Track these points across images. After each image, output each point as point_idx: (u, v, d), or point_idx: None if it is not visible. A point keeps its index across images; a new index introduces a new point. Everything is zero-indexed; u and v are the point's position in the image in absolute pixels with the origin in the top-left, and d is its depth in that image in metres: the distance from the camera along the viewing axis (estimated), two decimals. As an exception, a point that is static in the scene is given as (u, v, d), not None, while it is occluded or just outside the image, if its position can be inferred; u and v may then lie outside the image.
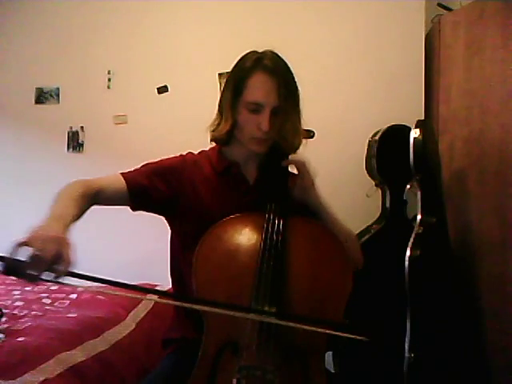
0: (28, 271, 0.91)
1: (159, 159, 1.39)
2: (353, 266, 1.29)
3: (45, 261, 0.91)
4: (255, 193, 1.36)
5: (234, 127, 1.32)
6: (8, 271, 0.90)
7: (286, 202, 1.29)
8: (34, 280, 0.92)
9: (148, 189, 1.30)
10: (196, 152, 1.44)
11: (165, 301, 1.16)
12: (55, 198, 1.14)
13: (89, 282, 0.96)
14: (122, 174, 1.32)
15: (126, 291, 1.07)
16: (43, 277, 0.92)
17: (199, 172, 1.36)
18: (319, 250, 1.25)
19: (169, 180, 1.33)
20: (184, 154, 1.43)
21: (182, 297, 1.34)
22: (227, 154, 1.39)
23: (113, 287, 1.02)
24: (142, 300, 2.12)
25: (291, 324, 1.05)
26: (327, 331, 1.08)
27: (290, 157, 1.34)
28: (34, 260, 0.90)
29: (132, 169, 1.36)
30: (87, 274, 0.95)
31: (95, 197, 1.22)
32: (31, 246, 0.91)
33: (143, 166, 1.37)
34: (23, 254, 0.91)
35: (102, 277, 0.97)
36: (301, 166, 1.31)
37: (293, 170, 1.35)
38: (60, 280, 0.94)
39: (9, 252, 0.90)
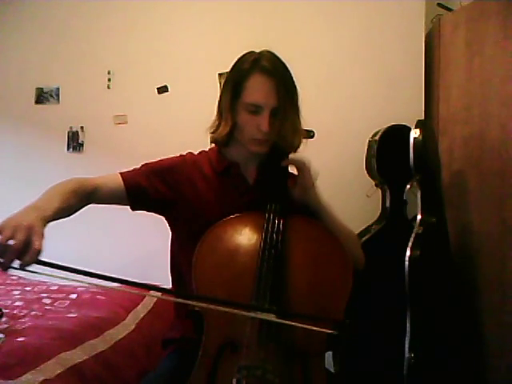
0: None
1: (158, 159, 1.39)
2: (353, 266, 1.29)
3: (12, 249, 0.91)
4: (255, 193, 1.35)
5: (233, 129, 1.33)
6: None
7: (285, 201, 1.29)
8: (3, 267, 0.92)
9: (146, 189, 1.30)
10: (196, 152, 1.44)
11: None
12: (44, 192, 1.13)
13: (59, 271, 0.96)
14: (120, 173, 1.32)
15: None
16: (13, 265, 0.92)
17: (199, 172, 1.36)
18: (319, 250, 1.25)
19: (168, 180, 1.33)
20: (184, 154, 1.43)
21: (183, 294, 1.33)
22: (227, 155, 1.39)
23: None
24: (142, 300, 2.12)
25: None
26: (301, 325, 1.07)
27: (289, 156, 1.34)
28: (2, 248, 0.91)
29: (131, 169, 1.36)
30: (54, 262, 0.95)
31: (90, 195, 1.22)
32: (1, 234, 0.92)
33: (142, 165, 1.37)
34: None
35: (71, 266, 0.96)
36: (301, 165, 1.31)
37: (293, 170, 1.35)
38: (27, 268, 0.93)
39: None
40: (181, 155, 1.41)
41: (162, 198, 1.32)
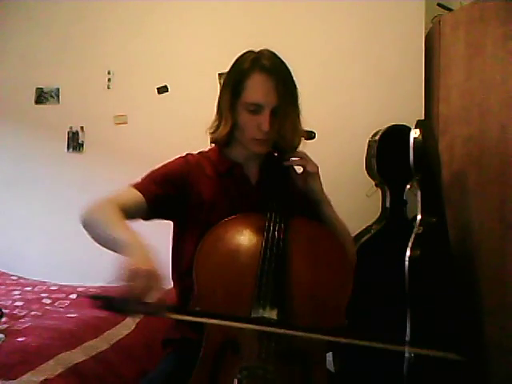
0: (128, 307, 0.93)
1: (162, 164, 1.36)
2: (354, 266, 1.29)
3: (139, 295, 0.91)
4: (257, 193, 1.35)
5: (233, 128, 1.32)
6: (110, 309, 0.93)
7: (287, 202, 1.29)
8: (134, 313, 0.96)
9: (162, 197, 1.28)
10: (195, 153, 1.43)
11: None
12: (106, 221, 1.12)
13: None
14: (134, 186, 1.28)
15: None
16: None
17: (202, 173, 1.35)
18: (320, 251, 1.25)
19: (177, 185, 1.31)
20: (183, 155, 1.40)
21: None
22: (229, 155, 1.39)
23: None
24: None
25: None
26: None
27: (289, 157, 1.34)
28: (133, 296, 0.92)
29: (139, 179, 1.31)
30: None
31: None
32: (130, 281, 0.92)
33: (151, 174, 1.33)
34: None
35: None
36: (302, 155, 1.32)
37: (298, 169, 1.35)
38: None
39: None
40: (182, 158, 1.39)
41: (175, 204, 1.31)
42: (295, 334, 1.04)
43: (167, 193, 1.29)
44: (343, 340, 1.07)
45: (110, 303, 0.93)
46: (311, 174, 1.32)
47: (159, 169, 1.34)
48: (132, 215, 1.22)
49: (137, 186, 1.28)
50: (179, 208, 1.32)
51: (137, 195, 1.25)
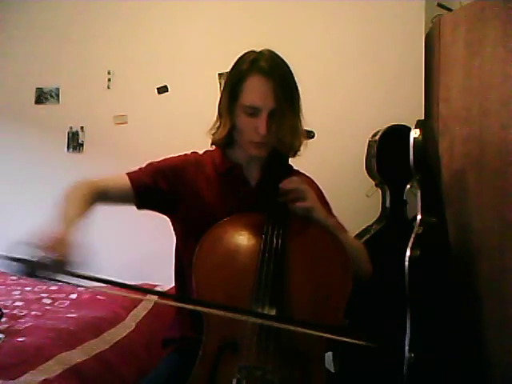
0: (36, 272, 0.96)
1: (162, 158, 1.39)
2: (360, 277, 1.29)
3: (53, 261, 0.95)
4: (256, 194, 1.35)
5: (232, 130, 1.32)
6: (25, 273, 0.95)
7: (286, 203, 1.29)
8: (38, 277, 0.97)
9: (151, 188, 1.31)
10: (201, 152, 1.44)
11: (165, 301, 1.18)
12: (62, 198, 1.18)
13: (90, 282, 0.99)
14: (127, 174, 1.33)
15: (127, 291, 1.09)
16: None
17: (201, 172, 1.36)
18: (319, 251, 1.25)
19: (170, 179, 1.33)
20: (188, 153, 1.42)
21: (183, 298, 1.34)
22: (231, 156, 1.39)
23: (115, 287, 1.05)
24: (142, 300, 2.12)
25: (291, 328, 1.05)
26: (327, 335, 1.07)
27: (285, 185, 1.26)
28: (42, 261, 0.95)
29: (137, 168, 1.36)
30: (88, 274, 0.98)
31: (101, 196, 1.25)
32: (42, 249, 0.96)
33: (147, 165, 1.38)
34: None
35: (101, 277, 0.99)
36: (298, 193, 1.25)
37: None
38: (60, 278, 0.97)
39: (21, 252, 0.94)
40: (185, 154, 1.41)
41: (166, 198, 1.33)
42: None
43: (157, 185, 1.32)
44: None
45: (28, 265, 0.94)
46: (308, 210, 1.26)
47: (157, 162, 1.38)
48: (115, 199, 1.32)
49: (129, 174, 1.33)
50: (170, 203, 1.33)
51: (125, 182, 1.30)
